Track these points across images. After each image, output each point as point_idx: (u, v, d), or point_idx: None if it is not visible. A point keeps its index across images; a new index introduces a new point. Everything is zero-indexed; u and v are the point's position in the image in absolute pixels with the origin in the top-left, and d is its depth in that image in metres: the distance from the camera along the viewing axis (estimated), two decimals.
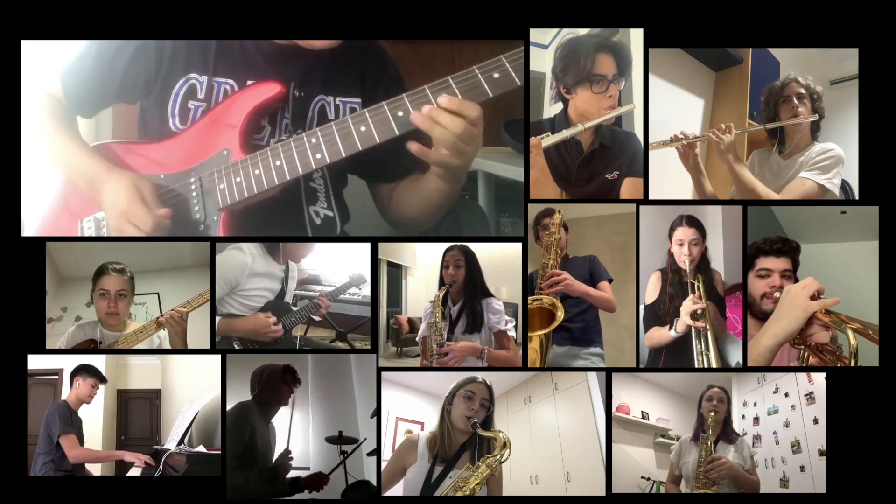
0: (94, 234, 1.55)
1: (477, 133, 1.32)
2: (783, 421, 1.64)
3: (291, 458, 1.60)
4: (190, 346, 1.61)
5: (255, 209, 1.49)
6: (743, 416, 1.69)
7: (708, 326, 1.48)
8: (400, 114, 1.34)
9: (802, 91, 1.64)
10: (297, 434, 1.85)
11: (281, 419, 1.67)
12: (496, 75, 1.30)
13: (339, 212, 1.65)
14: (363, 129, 1.36)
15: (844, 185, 1.62)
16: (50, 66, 1.58)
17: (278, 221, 1.56)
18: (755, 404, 1.71)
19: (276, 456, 1.60)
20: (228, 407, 1.55)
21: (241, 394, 1.59)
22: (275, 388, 1.60)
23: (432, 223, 1.68)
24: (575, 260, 1.68)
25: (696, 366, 1.48)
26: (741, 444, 1.60)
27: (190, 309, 1.60)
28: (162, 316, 1.61)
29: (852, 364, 1.27)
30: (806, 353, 1.36)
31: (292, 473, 1.62)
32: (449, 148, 1.32)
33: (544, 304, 1.54)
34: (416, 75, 1.37)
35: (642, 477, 1.68)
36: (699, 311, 1.49)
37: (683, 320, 1.49)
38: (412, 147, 1.34)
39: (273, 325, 1.63)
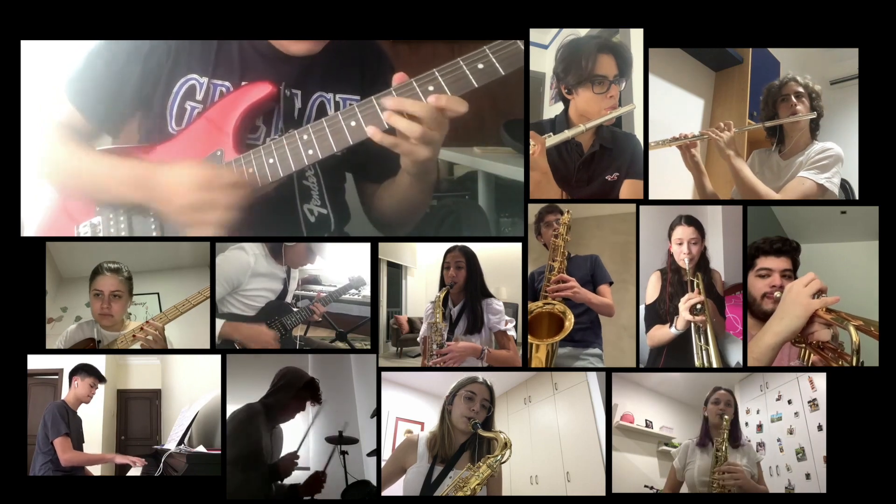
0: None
1: (441, 118, 1.32)
2: (787, 428, 1.64)
3: (297, 461, 1.55)
4: (190, 347, 1.61)
5: (251, 208, 1.49)
6: (746, 424, 1.69)
7: (707, 322, 1.48)
8: None
9: (801, 90, 1.65)
10: (299, 437, 1.85)
11: (292, 424, 1.63)
12: (480, 66, 1.32)
13: (334, 210, 1.65)
14: (353, 123, 1.37)
15: (844, 185, 1.63)
16: (62, 92, 1.53)
17: (273, 220, 1.56)
18: (758, 411, 1.71)
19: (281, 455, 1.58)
20: (235, 409, 1.52)
21: (241, 394, 1.58)
22: (286, 399, 1.54)
23: (412, 223, 1.69)
24: (577, 259, 1.67)
25: (696, 362, 1.48)
26: (748, 449, 1.59)
27: (166, 321, 1.58)
28: (141, 330, 1.57)
29: (854, 361, 1.27)
30: (807, 352, 1.36)
31: (292, 479, 1.61)
32: (417, 137, 1.32)
33: (555, 311, 1.54)
34: (416, 75, 1.37)
35: (645, 486, 1.67)
36: (698, 306, 1.49)
37: (683, 316, 1.49)
38: (369, 131, 1.34)
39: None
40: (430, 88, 1.33)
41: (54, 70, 1.58)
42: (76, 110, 1.53)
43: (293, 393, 1.54)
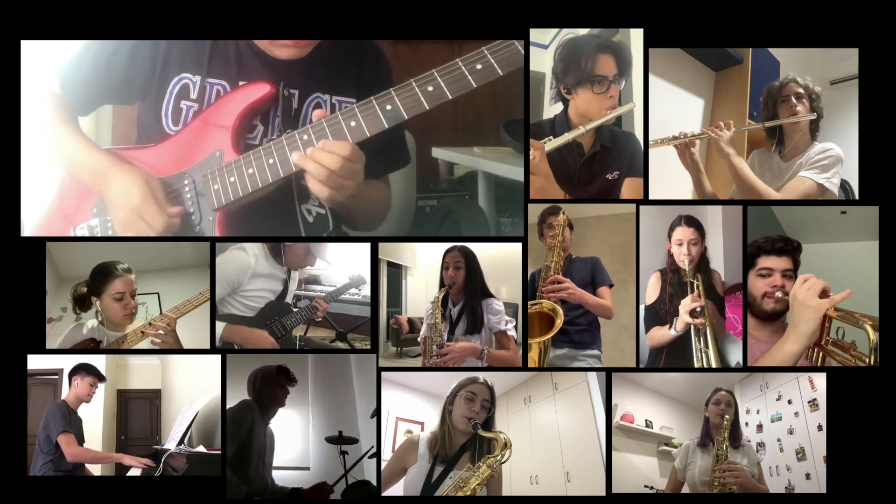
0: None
1: (355, 167, 1.38)
2: (787, 428, 1.64)
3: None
4: (190, 347, 1.61)
5: (250, 209, 1.49)
6: (746, 424, 1.68)
7: (707, 324, 1.48)
8: (388, 108, 1.36)
9: (801, 91, 1.64)
10: (294, 437, 1.85)
11: (279, 423, 1.67)
12: (479, 66, 1.34)
13: (332, 209, 1.65)
14: (353, 123, 1.38)
15: (844, 185, 1.63)
16: (48, 63, 1.57)
17: (272, 220, 1.56)
18: (758, 412, 1.71)
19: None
20: (233, 404, 1.55)
21: (240, 394, 1.59)
22: (271, 391, 1.61)
23: (377, 222, 1.77)
24: (578, 261, 1.67)
25: (696, 364, 1.48)
26: (748, 449, 1.59)
27: (178, 315, 1.59)
28: (150, 326, 1.59)
29: (871, 361, 1.26)
30: (817, 352, 1.36)
31: (293, 483, 1.62)
32: (324, 181, 1.36)
33: (544, 309, 1.54)
34: (415, 75, 1.38)
35: (645, 486, 1.67)
36: (698, 309, 1.49)
37: (683, 318, 1.49)
38: (294, 157, 1.40)
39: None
40: (430, 88, 1.35)
41: (54, 63, 1.59)
42: (56, 81, 1.56)
43: (272, 382, 1.61)
